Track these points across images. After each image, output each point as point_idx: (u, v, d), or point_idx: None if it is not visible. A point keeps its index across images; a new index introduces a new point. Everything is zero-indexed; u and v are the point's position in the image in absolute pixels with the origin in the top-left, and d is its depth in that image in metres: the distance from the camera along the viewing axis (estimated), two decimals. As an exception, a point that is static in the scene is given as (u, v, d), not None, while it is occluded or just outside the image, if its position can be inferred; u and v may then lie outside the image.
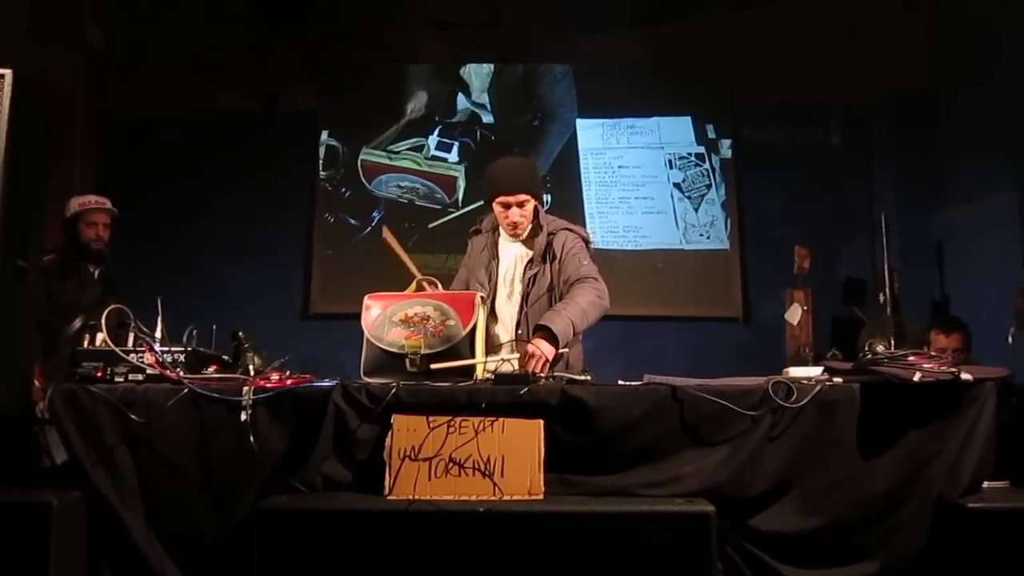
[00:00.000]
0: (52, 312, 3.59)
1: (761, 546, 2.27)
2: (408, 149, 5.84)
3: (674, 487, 2.27)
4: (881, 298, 4.90)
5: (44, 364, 3.11)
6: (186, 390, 2.33)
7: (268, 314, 5.30)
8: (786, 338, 4.96)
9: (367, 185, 5.81)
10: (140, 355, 2.42)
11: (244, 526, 2.22)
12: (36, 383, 2.77)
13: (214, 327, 2.76)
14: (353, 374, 2.52)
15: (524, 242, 3.09)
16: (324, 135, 5.85)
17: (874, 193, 5.62)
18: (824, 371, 2.51)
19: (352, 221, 5.77)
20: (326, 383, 2.37)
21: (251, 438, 2.26)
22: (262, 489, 2.28)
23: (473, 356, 2.54)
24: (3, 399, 2.36)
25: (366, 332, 2.59)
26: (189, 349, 2.50)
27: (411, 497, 2.19)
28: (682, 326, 5.54)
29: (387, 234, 2.85)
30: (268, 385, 2.34)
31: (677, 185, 5.76)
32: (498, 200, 3.02)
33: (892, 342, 3.87)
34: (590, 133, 5.85)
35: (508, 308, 3.05)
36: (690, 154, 5.80)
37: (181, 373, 2.41)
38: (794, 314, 4.94)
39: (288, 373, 2.49)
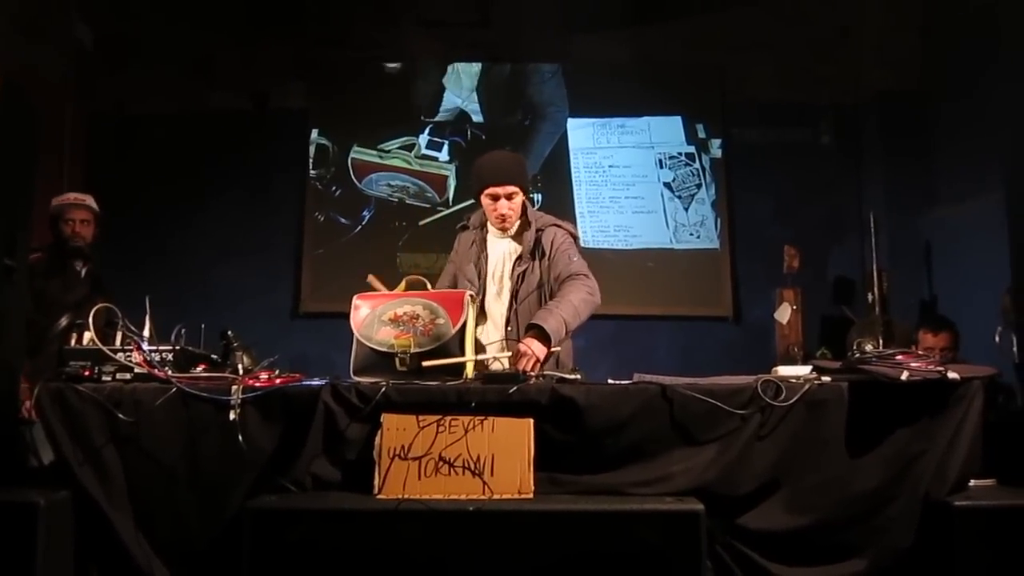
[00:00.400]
0: (37, 310, 3.56)
1: (750, 544, 2.28)
2: (398, 148, 5.82)
3: (663, 486, 2.28)
4: (870, 297, 4.93)
5: (29, 363, 3.08)
6: (174, 389, 2.32)
7: (258, 313, 5.28)
8: (776, 337, 4.97)
9: (357, 184, 5.79)
10: (128, 354, 2.41)
11: (233, 526, 2.22)
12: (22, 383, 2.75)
13: (203, 326, 2.74)
14: (343, 373, 2.52)
15: (513, 238, 3.06)
16: (314, 134, 5.82)
17: (864, 193, 5.64)
18: (813, 370, 2.52)
19: (342, 220, 5.75)
20: (315, 382, 2.37)
21: (240, 437, 2.25)
22: (251, 489, 2.27)
23: (463, 355, 2.53)
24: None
25: (355, 331, 2.57)
26: (177, 348, 2.49)
27: (401, 496, 2.18)
28: (672, 325, 5.54)
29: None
30: (257, 384, 2.33)
31: (667, 185, 5.77)
32: (486, 192, 3.00)
33: (881, 341, 3.90)
34: (581, 132, 5.84)
35: (498, 305, 3.03)
36: (680, 154, 5.80)
37: (169, 372, 2.40)
38: (784, 313, 4.95)
39: (277, 372, 2.48)
